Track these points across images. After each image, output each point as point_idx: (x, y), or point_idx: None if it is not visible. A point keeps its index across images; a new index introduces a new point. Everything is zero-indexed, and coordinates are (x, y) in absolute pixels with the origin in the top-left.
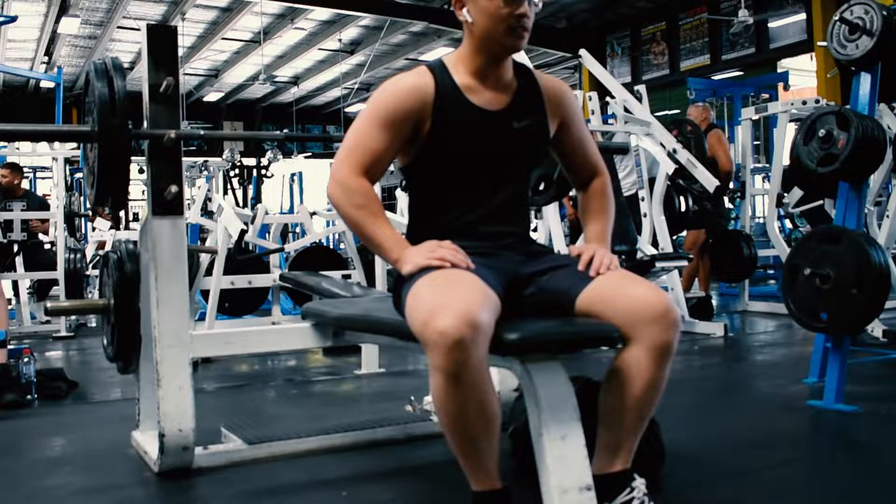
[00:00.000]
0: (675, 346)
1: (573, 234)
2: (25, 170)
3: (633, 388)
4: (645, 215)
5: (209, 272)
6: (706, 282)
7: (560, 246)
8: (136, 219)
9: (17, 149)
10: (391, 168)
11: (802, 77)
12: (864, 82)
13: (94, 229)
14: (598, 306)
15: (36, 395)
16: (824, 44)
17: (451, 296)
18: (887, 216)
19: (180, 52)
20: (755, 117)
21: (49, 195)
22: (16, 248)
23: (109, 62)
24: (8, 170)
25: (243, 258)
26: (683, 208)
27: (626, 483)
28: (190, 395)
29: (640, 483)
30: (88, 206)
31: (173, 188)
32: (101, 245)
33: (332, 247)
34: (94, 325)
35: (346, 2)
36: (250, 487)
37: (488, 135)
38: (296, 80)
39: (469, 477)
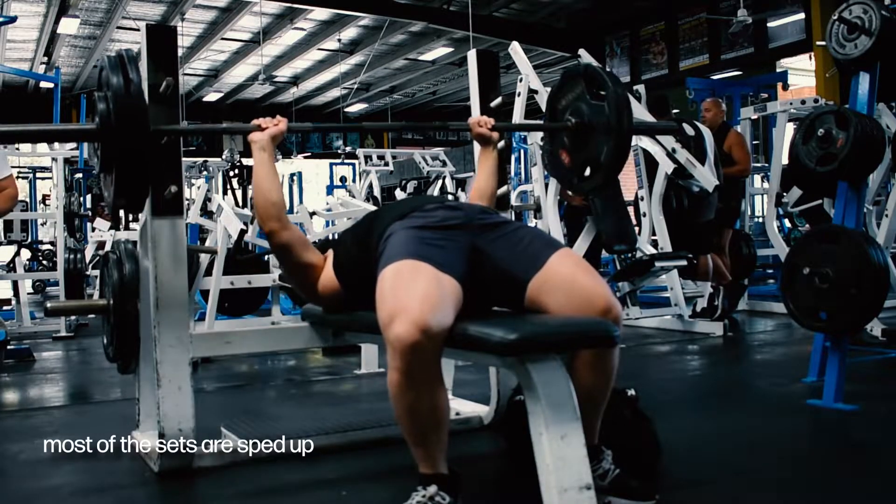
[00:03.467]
0: (617, 340)
1: (570, 231)
2: (25, 170)
3: (581, 379)
4: (644, 215)
5: (209, 272)
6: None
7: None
8: (135, 219)
9: (17, 149)
10: (390, 168)
11: (801, 77)
12: (863, 82)
13: (93, 229)
14: (545, 297)
15: None
16: (823, 43)
17: (410, 296)
18: (886, 215)
19: (180, 52)
20: (754, 117)
21: (49, 195)
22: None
23: (125, 54)
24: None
25: (243, 258)
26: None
27: (595, 455)
28: (190, 394)
29: (608, 454)
30: (88, 206)
31: (173, 188)
32: (101, 245)
33: None
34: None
35: (345, 2)
36: (250, 487)
37: None
38: (295, 81)
39: (417, 461)
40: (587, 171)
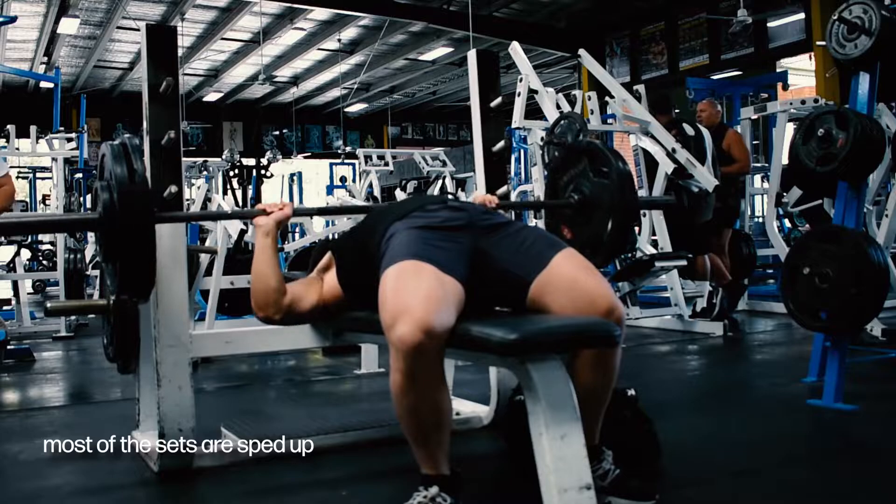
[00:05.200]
0: (620, 341)
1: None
2: (25, 170)
3: (581, 379)
4: (644, 215)
5: (209, 272)
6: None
7: None
8: None
9: (18, 149)
10: (390, 168)
11: (801, 77)
12: (863, 82)
13: None
14: (548, 298)
15: None
16: (823, 43)
17: (412, 297)
18: (886, 215)
19: (180, 52)
20: (754, 117)
21: (49, 195)
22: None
23: (128, 142)
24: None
25: (243, 258)
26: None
27: (595, 455)
28: (190, 394)
29: (608, 454)
30: (88, 206)
31: (173, 188)
32: None
33: None
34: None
35: (345, 2)
36: (250, 487)
37: None
38: (295, 81)
39: (419, 462)
40: (589, 250)
